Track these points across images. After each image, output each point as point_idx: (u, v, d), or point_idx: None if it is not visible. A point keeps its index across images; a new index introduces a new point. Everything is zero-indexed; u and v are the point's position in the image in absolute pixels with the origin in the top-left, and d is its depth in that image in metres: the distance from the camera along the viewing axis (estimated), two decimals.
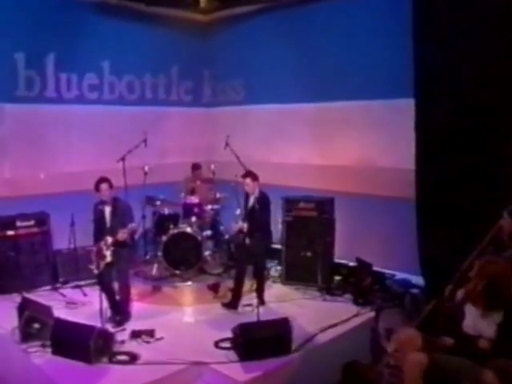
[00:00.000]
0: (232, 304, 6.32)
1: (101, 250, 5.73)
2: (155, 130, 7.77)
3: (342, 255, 7.51)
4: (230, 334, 5.29)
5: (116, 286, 5.94)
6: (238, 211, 6.86)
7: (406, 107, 6.78)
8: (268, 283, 7.23)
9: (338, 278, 7.26)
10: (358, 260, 7.11)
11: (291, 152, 8.78)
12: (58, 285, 7.15)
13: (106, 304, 5.79)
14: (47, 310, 5.54)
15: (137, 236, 6.40)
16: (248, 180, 6.42)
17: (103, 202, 5.89)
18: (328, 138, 8.34)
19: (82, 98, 8.28)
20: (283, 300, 6.63)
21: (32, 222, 7.11)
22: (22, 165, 7.61)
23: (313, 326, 5.70)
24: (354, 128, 8.00)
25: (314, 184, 8.15)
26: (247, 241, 6.39)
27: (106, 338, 5.01)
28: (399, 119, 7.21)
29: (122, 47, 8.51)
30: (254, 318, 5.51)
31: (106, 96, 8.57)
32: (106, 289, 5.81)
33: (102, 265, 5.72)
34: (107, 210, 5.91)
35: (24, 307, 5.39)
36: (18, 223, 7.00)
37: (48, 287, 7.06)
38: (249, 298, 6.59)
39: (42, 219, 7.19)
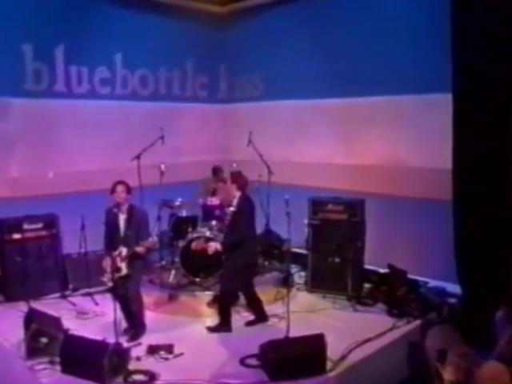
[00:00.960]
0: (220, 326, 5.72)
1: (115, 262, 5.23)
2: (169, 127, 7.29)
3: (370, 261, 7.01)
4: (256, 349, 4.82)
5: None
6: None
7: (441, 102, 6.33)
8: (292, 291, 6.75)
9: (367, 285, 6.81)
10: (390, 266, 6.61)
11: (314, 151, 8.31)
12: (68, 292, 6.72)
13: (119, 314, 5.28)
14: (56, 322, 5.06)
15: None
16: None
17: (118, 207, 5.40)
18: (354, 135, 7.86)
19: (94, 92, 7.88)
20: (311, 310, 6.13)
21: (40, 225, 6.68)
22: (30, 163, 7.22)
23: (346, 340, 5.20)
24: (383, 125, 7.50)
25: (338, 185, 7.67)
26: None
27: (121, 355, 4.53)
28: (433, 115, 6.78)
29: (134, 39, 8.09)
30: (281, 331, 5.11)
31: (118, 91, 8.17)
32: (121, 300, 5.32)
33: (116, 277, 5.24)
34: (122, 217, 5.42)
35: (31, 319, 4.91)
36: (25, 226, 6.56)
37: (57, 295, 6.62)
38: (274, 307, 6.12)
39: (50, 221, 6.76)
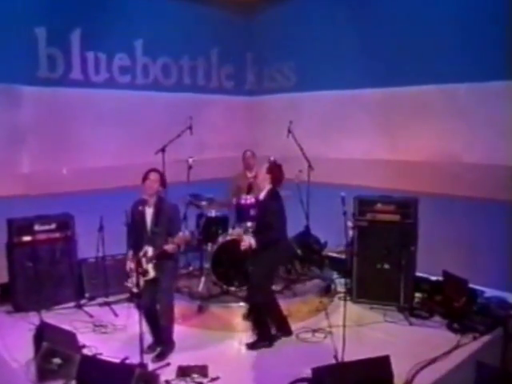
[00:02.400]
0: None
1: (140, 264, 4.53)
2: (193, 120, 6.60)
3: (419, 267, 6.20)
4: (303, 370, 4.14)
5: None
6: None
7: (501, 91, 5.79)
8: (335, 301, 6.00)
9: (417, 295, 6.09)
10: (446, 274, 5.84)
11: (352, 146, 7.58)
12: (84, 301, 6.07)
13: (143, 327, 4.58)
14: (71, 338, 4.37)
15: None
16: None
17: (144, 202, 4.70)
18: (398, 128, 7.11)
19: (112, 81, 7.26)
20: (360, 324, 5.37)
21: (53, 226, 6.04)
22: (42, 158, 6.58)
23: (407, 360, 4.48)
24: (432, 117, 6.75)
25: (380, 183, 6.96)
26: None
27: (149, 381, 3.79)
28: (491, 105, 6.10)
29: (156, 24, 7.46)
30: (328, 349, 4.55)
31: (139, 80, 7.55)
32: (148, 311, 4.63)
33: (142, 282, 4.53)
34: (148, 212, 4.72)
35: (42, 335, 4.21)
36: (37, 227, 5.93)
37: (71, 304, 5.99)
38: (318, 319, 5.43)
39: (64, 222, 6.13)
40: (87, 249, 6.13)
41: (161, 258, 4.58)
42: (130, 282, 4.65)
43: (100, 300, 6.05)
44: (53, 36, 6.54)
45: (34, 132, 6.50)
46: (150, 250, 4.60)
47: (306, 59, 8.04)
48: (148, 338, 4.76)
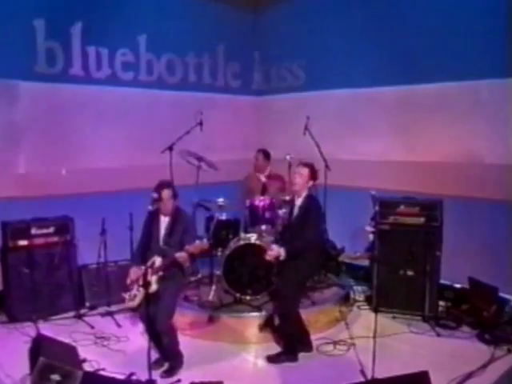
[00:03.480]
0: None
1: (145, 275, 4.10)
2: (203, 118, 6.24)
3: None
4: None
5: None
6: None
7: None
8: (354, 310, 5.61)
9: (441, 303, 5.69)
10: (473, 281, 5.45)
11: (367, 147, 7.15)
12: (84, 311, 5.64)
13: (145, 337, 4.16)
14: (71, 352, 3.95)
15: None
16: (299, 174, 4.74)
17: (159, 213, 4.38)
18: (417, 128, 6.70)
19: (115, 78, 6.85)
20: (384, 334, 4.93)
21: (51, 230, 5.65)
22: (40, 158, 6.16)
23: (442, 374, 4.06)
24: (453, 115, 6.33)
25: (398, 185, 6.55)
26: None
27: None
28: None
29: (161, 20, 7.08)
30: (354, 363, 4.28)
31: (142, 77, 7.15)
32: (148, 327, 4.21)
33: (141, 294, 4.15)
34: (163, 220, 4.40)
35: (38, 349, 3.77)
36: (34, 230, 5.54)
37: (71, 314, 5.56)
38: (338, 330, 5.03)
39: (63, 225, 5.73)
40: (88, 254, 5.76)
41: (168, 269, 4.19)
42: (128, 295, 4.25)
43: (102, 309, 5.65)
44: (52, 29, 6.14)
45: (31, 130, 6.10)
46: (158, 261, 4.22)
47: (317, 56, 7.63)
48: (154, 353, 4.35)
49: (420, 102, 6.64)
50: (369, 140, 7.14)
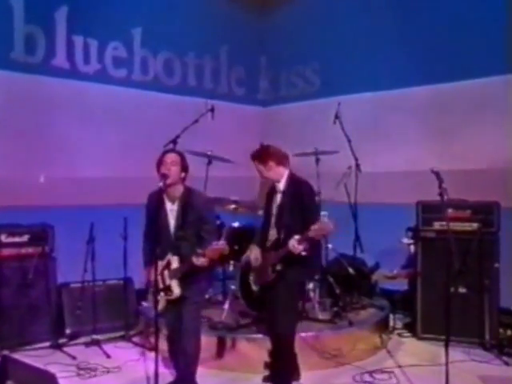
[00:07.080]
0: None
1: (162, 278, 3.27)
2: (198, 129, 5.30)
3: None
4: None
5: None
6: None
7: None
8: (394, 338, 4.62)
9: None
10: None
11: (392, 156, 6.32)
12: (63, 340, 4.53)
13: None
14: (49, 380, 2.80)
15: None
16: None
17: (163, 195, 3.37)
18: (453, 132, 5.92)
19: (105, 74, 6.16)
20: (434, 363, 3.92)
21: (25, 238, 4.62)
22: (14, 161, 5.34)
23: None
24: (495, 115, 5.57)
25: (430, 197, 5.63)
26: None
27: None
28: None
29: (158, 12, 6.47)
30: None
31: (136, 76, 6.43)
32: (171, 337, 3.37)
33: (163, 301, 3.30)
34: (171, 209, 3.37)
35: (5, 374, 2.67)
36: (3, 238, 4.49)
37: (46, 344, 4.44)
38: (380, 358, 4.15)
39: (41, 234, 4.70)
40: (70, 270, 4.68)
41: (189, 276, 3.23)
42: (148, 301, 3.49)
43: (85, 338, 4.53)
44: (33, 11, 5.55)
45: (5, 128, 5.28)
46: (174, 261, 3.30)
47: (333, 59, 6.92)
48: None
49: (456, 102, 5.96)
50: (395, 148, 6.34)
